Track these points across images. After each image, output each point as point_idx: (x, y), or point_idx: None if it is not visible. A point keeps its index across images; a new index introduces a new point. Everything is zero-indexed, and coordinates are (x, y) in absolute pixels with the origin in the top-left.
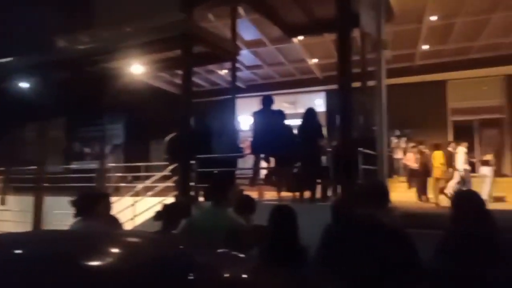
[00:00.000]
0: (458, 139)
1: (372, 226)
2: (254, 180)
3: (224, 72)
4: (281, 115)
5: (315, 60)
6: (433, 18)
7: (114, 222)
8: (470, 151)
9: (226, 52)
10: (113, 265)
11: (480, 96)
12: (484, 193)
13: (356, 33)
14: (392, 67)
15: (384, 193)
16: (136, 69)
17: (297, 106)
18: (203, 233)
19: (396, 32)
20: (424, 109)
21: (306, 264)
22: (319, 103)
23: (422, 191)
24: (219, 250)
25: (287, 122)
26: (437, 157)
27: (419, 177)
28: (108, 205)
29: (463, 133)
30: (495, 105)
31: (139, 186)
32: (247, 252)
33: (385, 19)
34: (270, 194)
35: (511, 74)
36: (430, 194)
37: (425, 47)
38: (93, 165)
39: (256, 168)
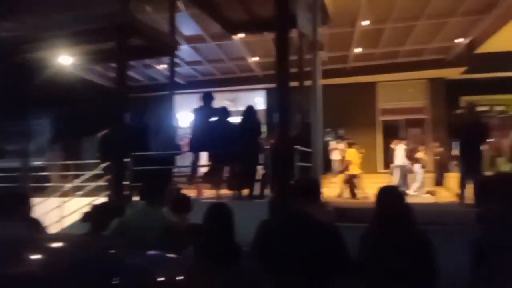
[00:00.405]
0: (386, 138)
1: (303, 221)
2: (192, 178)
3: (162, 67)
4: (221, 112)
5: (255, 58)
6: (365, 22)
7: (35, 224)
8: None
9: (164, 46)
10: (28, 272)
11: (406, 98)
12: (414, 188)
13: (294, 34)
14: (328, 68)
15: (316, 189)
16: (66, 60)
17: (237, 104)
18: (135, 234)
19: (331, 35)
20: (357, 109)
21: (241, 261)
22: (259, 101)
23: (351, 187)
24: (151, 252)
25: (227, 119)
26: (351, 155)
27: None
28: (27, 207)
29: (391, 132)
30: (419, 106)
31: (68, 185)
32: (182, 252)
33: (321, 21)
34: (209, 192)
35: (434, 78)
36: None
37: (358, 50)
38: (16, 163)
39: (194, 166)
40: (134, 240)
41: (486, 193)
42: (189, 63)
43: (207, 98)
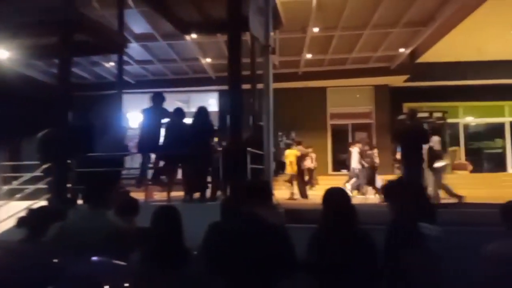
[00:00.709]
0: (334, 141)
1: (252, 223)
2: (141, 181)
3: (110, 65)
4: (172, 113)
5: (208, 60)
6: (316, 29)
7: None
8: (344, 152)
9: (113, 43)
10: None
11: (354, 103)
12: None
13: (247, 36)
14: (280, 72)
15: (267, 191)
16: (2, 54)
17: (190, 105)
18: (78, 239)
19: (284, 40)
20: (308, 113)
21: (190, 265)
22: (212, 103)
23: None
24: (95, 258)
25: (178, 120)
26: (289, 156)
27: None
28: None
29: (340, 135)
30: (366, 111)
31: (4, 188)
32: (129, 257)
33: (273, 26)
34: (160, 195)
35: (378, 84)
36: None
37: (309, 55)
38: None
39: (143, 167)
40: (76, 246)
41: (389, 194)
42: (139, 62)
43: (157, 98)
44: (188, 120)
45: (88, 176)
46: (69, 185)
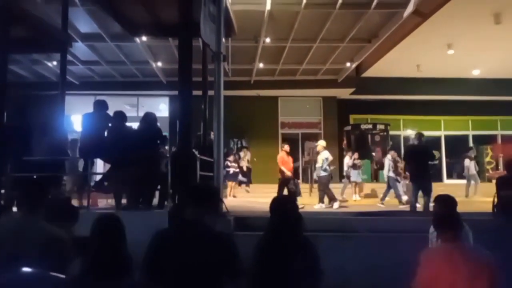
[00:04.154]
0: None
1: (197, 230)
2: (83, 186)
3: (53, 64)
4: (116, 117)
5: (159, 64)
6: (268, 39)
7: None
8: (296, 160)
9: (55, 41)
10: None
11: (304, 113)
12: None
13: (199, 42)
14: (233, 80)
15: (214, 198)
16: None
17: (139, 109)
18: (9, 248)
19: (236, 48)
20: (260, 121)
21: (132, 275)
22: (163, 108)
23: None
24: (28, 270)
25: (123, 124)
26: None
27: None
28: None
29: (290, 144)
30: (315, 121)
31: None
32: (67, 267)
33: (225, 33)
34: (104, 202)
35: (327, 96)
36: None
37: (261, 65)
38: None
39: (86, 173)
40: (8, 256)
41: None
42: (84, 63)
43: (100, 105)
44: (132, 125)
45: (24, 181)
46: (2, 191)
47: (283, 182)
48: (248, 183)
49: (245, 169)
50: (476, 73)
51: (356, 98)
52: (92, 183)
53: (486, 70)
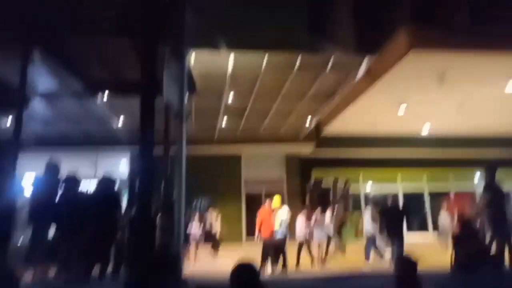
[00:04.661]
0: (249, 208)
1: None
2: (29, 256)
3: (7, 120)
4: (69, 181)
5: (120, 121)
6: (231, 97)
7: None
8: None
9: (11, 97)
10: None
11: (267, 171)
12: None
13: (161, 100)
14: (195, 137)
15: (175, 266)
16: None
17: (97, 167)
18: None
19: (199, 105)
20: (224, 179)
21: None
22: (122, 166)
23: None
24: None
25: (76, 189)
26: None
27: None
28: None
29: (253, 202)
30: (278, 179)
31: None
32: None
33: (188, 92)
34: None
35: (289, 152)
36: None
37: (223, 123)
38: None
39: (33, 241)
40: None
41: None
42: (41, 120)
43: (51, 166)
44: (89, 186)
45: None
46: None
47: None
48: (216, 246)
49: (212, 230)
50: (426, 130)
51: (317, 154)
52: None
53: (436, 127)
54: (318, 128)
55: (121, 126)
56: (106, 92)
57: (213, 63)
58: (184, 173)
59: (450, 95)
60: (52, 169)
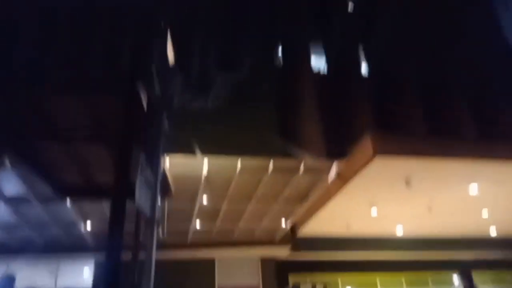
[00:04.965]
0: None
1: None
2: None
3: None
4: None
5: (87, 226)
6: (204, 200)
7: None
8: None
9: None
10: None
11: (242, 275)
12: None
13: (132, 206)
14: (167, 241)
15: None
16: None
17: (59, 277)
18: None
19: (172, 208)
20: (196, 285)
21: None
22: (87, 276)
23: None
24: None
25: None
26: None
27: None
28: None
29: None
30: (253, 284)
31: None
32: None
33: (162, 196)
34: None
35: (264, 256)
36: None
37: (197, 225)
38: None
39: None
40: None
41: None
42: (1, 225)
43: (8, 277)
44: None
45: None
46: None
47: None
48: None
49: None
50: (399, 232)
51: (293, 258)
52: None
53: (409, 229)
54: (293, 230)
55: (88, 232)
56: (75, 196)
57: (188, 166)
58: (152, 281)
59: (418, 198)
60: (7, 282)
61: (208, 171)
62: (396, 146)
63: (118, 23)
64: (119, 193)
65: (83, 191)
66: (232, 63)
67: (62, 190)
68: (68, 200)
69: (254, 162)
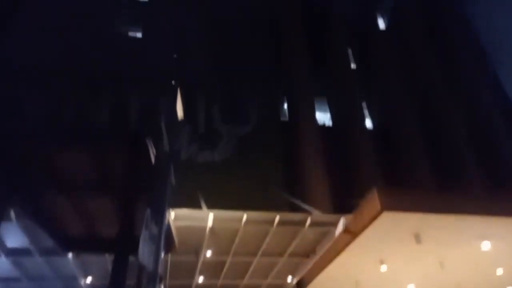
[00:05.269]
0: None
1: None
2: None
3: None
4: None
5: (88, 280)
6: (209, 253)
7: None
8: None
9: None
10: None
11: None
12: None
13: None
14: None
15: None
16: None
17: None
18: None
19: (175, 262)
20: None
21: None
22: None
23: None
24: None
25: None
26: None
27: None
28: None
29: None
30: None
31: None
32: None
33: (166, 249)
34: None
35: None
36: None
37: (201, 279)
38: None
39: None
40: None
41: None
42: (3, 279)
43: None
44: None
45: None
46: None
47: None
48: None
49: None
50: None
51: None
52: None
53: (419, 284)
54: (299, 286)
55: (89, 284)
56: (78, 249)
57: (193, 219)
58: None
59: (429, 254)
60: None
61: (213, 225)
62: (404, 201)
63: (128, 78)
64: (122, 247)
65: (86, 244)
66: (239, 117)
67: (65, 243)
68: (70, 254)
69: (260, 215)
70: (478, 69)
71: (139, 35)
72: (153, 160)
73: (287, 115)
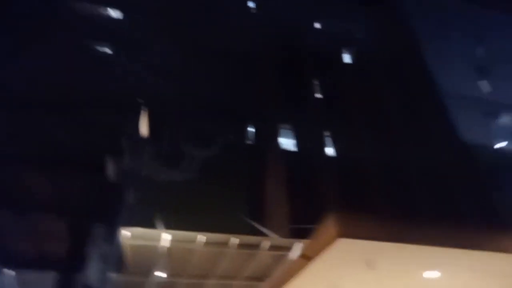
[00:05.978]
0: None
1: None
2: None
3: None
4: None
5: None
6: (162, 274)
7: None
8: None
9: None
10: None
11: None
12: None
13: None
14: None
15: None
16: None
17: None
18: None
19: (126, 282)
20: None
21: None
22: None
23: None
24: None
25: None
26: None
27: None
28: None
29: None
30: None
31: None
32: None
33: (117, 269)
34: None
35: None
36: None
37: None
38: None
39: None
40: None
41: None
42: None
43: None
44: None
45: None
46: None
47: None
48: None
49: None
50: None
51: None
52: None
53: None
54: None
55: None
56: (22, 266)
57: (149, 238)
58: None
59: (382, 281)
60: None
61: (170, 245)
62: (359, 228)
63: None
64: (69, 265)
65: (31, 262)
66: (203, 138)
67: (8, 260)
68: (13, 271)
69: (217, 237)
70: (434, 105)
71: (108, 51)
72: (111, 179)
73: (253, 139)
